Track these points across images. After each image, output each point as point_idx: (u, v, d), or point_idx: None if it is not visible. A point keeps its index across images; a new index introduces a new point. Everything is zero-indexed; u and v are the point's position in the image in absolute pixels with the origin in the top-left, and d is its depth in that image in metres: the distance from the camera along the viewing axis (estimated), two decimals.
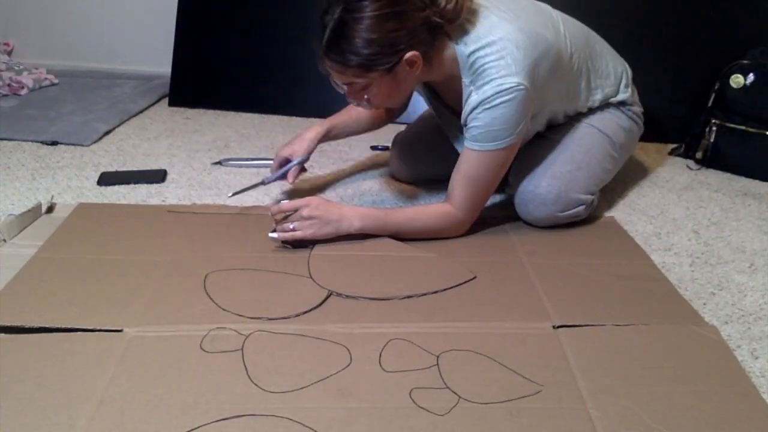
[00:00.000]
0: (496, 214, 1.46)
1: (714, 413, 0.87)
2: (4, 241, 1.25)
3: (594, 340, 1.02)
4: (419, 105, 1.61)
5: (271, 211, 1.29)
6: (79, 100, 2.23)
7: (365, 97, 1.22)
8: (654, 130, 1.93)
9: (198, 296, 1.10)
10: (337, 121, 1.52)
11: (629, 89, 1.50)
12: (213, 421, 0.83)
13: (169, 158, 1.80)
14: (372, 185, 1.65)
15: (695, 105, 1.93)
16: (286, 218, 1.27)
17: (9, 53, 2.66)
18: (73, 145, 1.86)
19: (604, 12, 2.02)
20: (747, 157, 1.78)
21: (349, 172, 1.75)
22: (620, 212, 1.54)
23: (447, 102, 1.42)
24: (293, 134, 2.02)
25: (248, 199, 1.52)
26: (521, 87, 1.18)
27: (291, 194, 1.59)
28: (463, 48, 1.21)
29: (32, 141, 1.86)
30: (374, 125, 1.58)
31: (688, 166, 1.86)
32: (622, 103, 1.49)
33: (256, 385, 0.90)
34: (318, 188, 1.63)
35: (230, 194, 1.51)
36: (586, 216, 1.43)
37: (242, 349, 0.97)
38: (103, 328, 1.00)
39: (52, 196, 1.48)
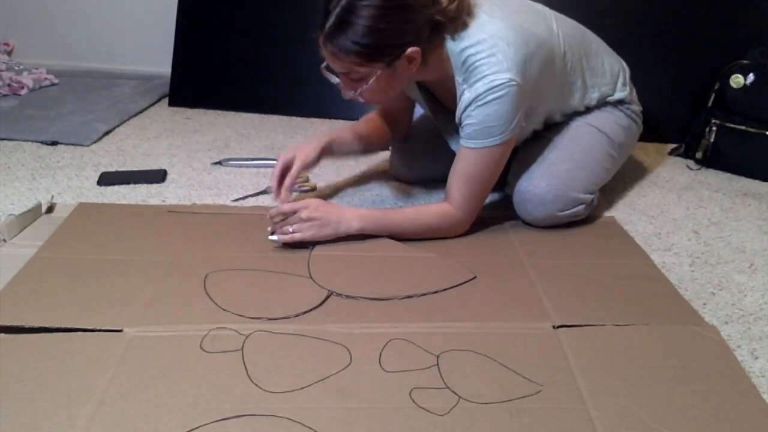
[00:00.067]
0: (495, 213, 1.46)
1: (714, 413, 0.87)
2: (4, 241, 1.25)
3: (594, 340, 1.02)
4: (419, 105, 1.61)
5: (270, 213, 1.28)
6: (79, 100, 2.23)
7: (359, 90, 1.22)
8: (654, 130, 1.93)
9: (198, 296, 1.10)
10: (339, 135, 1.48)
11: (627, 88, 1.50)
12: (213, 421, 0.83)
13: (169, 158, 1.80)
14: (372, 185, 1.65)
15: (695, 105, 1.93)
16: (284, 220, 1.27)
17: (9, 53, 2.66)
18: (73, 145, 1.86)
19: (604, 12, 2.03)
20: (747, 157, 1.78)
21: (349, 172, 1.75)
22: (620, 212, 1.54)
23: (443, 103, 1.42)
24: (293, 134, 2.04)
25: (249, 200, 1.53)
26: (513, 83, 1.18)
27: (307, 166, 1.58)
28: (455, 46, 1.21)
29: (32, 141, 1.86)
30: (378, 143, 1.57)
31: (688, 166, 1.86)
32: (620, 102, 1.49)
33: (256, 385, 0.89)
34: (318, 189, 1.63)
35: (232, 199, 1.52)
36: (586, 215, 1.43)
37: (242, 349, 0.97)
38: (103, 328, 1.00)
39: (52, 196, 1.48)
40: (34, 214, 1.35)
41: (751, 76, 1.75)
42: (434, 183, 1.60)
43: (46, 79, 2.41)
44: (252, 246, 1.28)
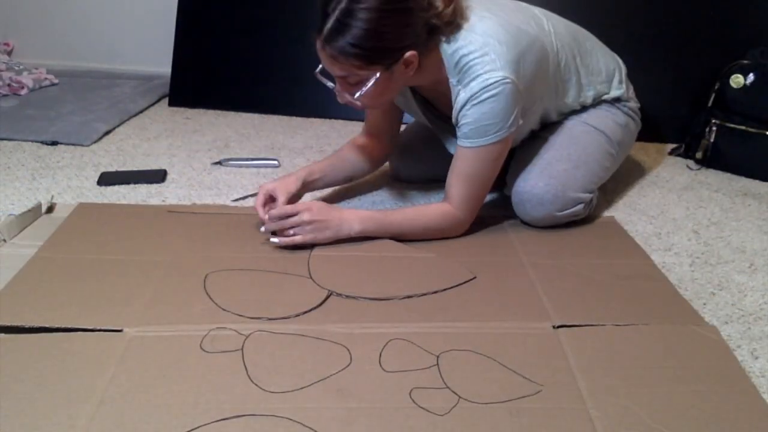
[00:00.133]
0: (495, 213, 1.46)
1: (714, 413, 0.87)
2: (4, 241, 1.25)
3: (594, 340, 1.02)
4: None
5: (269, 215, 1.27)
6: (79, 100, 2.23)
7: (356, 94, 1.21)
8: (654, 130, 1.94)
9: (198, 296, 1.10)
10: (317, 167, 1.44)
11: (623, 86, 1.50)
12: (213, 421, 0.83)
13: (169, 158, 1.80)
14: (372, 186, 1.65)
15: (695, 105, 1.93)
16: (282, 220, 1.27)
17: (9, 53, 2.66)
18: (73, 145, 1.86)
19: (604, 12, 2.02)
20: (747, 157, 1.78)
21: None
22: (620, 212, 1.54)
23: (438, 109, 1.42)
24: (293, 134, 2.05)
25: (249, 200, 1.53)
26: (507, 80, 1.18)
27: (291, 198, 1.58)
28: (448, 48, 1.21)
29: (32, 141, 1.86)
30: (362, 168, 1.53)
31: (688, 166, 1.86)
32: (617, 100, 1.49)
33: (256, 385, 0.89)
34: (318, 189, 1.63)
35: (232, 199, 1.52)
36: (586, 215, 1.43)
37: (242, 349, 0.97)
38: (103, 328, 1.00)
39: (52, 196, 1.48)
40: (34, 214, 1.35)
41: (751, 76, 1.75)
42: (434, 183, 1.60)
43: (46, 79, 2.41)
44: (252, 246, 1.28)
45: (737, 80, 1.77)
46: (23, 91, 2.29)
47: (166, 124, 2.11)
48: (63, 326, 0.99)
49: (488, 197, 1.38)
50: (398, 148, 1.63)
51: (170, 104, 2.30)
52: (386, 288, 1.14)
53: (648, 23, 2.06)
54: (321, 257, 1.23)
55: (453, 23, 1.20)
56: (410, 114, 1.51)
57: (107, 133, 1.98)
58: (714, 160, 1.83)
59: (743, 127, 1.77)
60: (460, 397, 0.88)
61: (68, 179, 1.61)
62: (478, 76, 1.18)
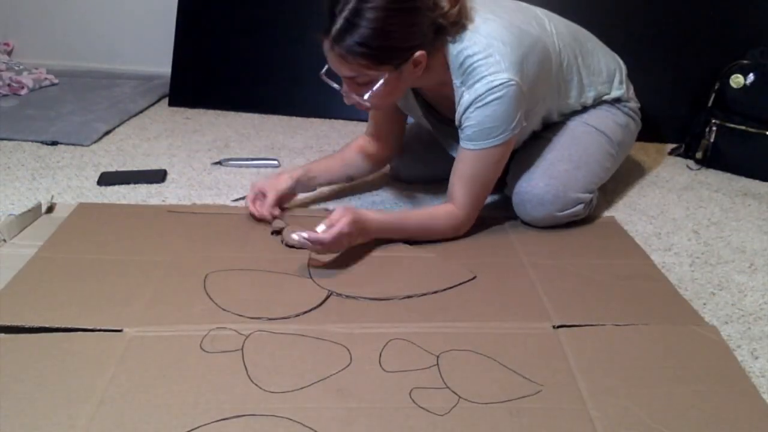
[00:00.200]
0: (495, 214, 1.46)
1: (714, 413, 0.87)
2: (4, 241, 1.25)
3: (594, 340, 1.02)
4: None
5: (309, 239, 1.16)
6: (79, 100, 2.23)
7: (365, 95, 1.21)
8: (654, 130, 1.93)
9: (198, 296, 1.10)
10: (315, 165, 1.47)
11: (624, 86, 1.50)
12: (213, 421, 0.82)
13: (169, 158, 1.80)
14: (372, 186, 1.65)
15: (695, 105, 1.93)
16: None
17: (9, 53, 2.66)
18: (73, 145, 1.86)
19: (604, 12, 2.02)
20: (747, 157, 1.78)
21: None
22: (620, 212, 1.54)
23: (441, 113, 1.43)
24: (293, 134, 2.05)
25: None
26: (512, 82, 1.18)
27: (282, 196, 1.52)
28: (453, 49, 1.21)
29: (32, 141, 1.86)
30: (365, 167, 1.53)
31: (688, 166, 1.86)
32: (617, 100, 1.49)
33: (256, 385, 0.89)
34: (318, 189, 1.62)
35: (232, 199, 1.52)
36: (586, 215, 1.43)
37: (242, 349, 0.97)
38: (103, 328, 1.00)
39: (52, 196, 1.48)
40: (34, 214, 1.35)
41: (751, 76, 1.75)
42: (434, 183, 1.60)
43: (46, 79, 2.41)
44: (252, 246, 1.28)
45: (737, 80, 1.77)
46: (23, 91, 2.29)
47: (166, 124, 2.11)
48: (63, 326, 0.99)
49: (489, 198, 1.37)
50: (398, 157, 1.63)
51: (170, 104, 2.30)
52: (386, 288, 1.14)
53: (648, 23, 2.06)
54: (321, 258, 1.23)
55: (458, 23, 1.20)
56: (412, 116, 1.51)
57: (107, 133, 1.98)
58: (714, 160, 1.83)
59: (743, 127, 1.77)
60: (460, 397, 0.88)
61: (68, 179, 1.61)
62: (482, 77, 1.18)
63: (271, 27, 2.25)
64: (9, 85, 2.30)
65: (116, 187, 1.57)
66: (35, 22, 2.66)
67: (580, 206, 1.38)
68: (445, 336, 1.01)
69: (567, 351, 0.99)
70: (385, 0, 1.10)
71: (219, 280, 1.15)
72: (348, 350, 0.97)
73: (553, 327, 1.05)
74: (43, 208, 1.39)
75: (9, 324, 0.99)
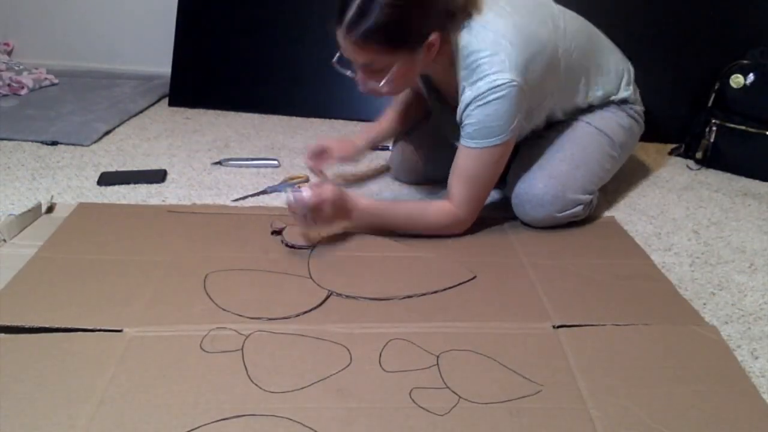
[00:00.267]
0: (495, 214, 1.46)
1: (714, 413, 0.87)
2: (4, 241, 1.25)
3: (594, 340, 1.02)
4: None
5: (289, 207, 1.22)
6: (79, 100, 2.23)
7: (381, 82, 1.20)
8: (654, 130, 1.93)
9: (198, 296, 1.10)
10: (375, 131, 1.59)
11: (631, 87, 1.50)
12: (213, 421, 0.83)
13: (169, 158, 1.80)
14: (373, 186, 1.65)
15: (695, 105, 1.93)
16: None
17: (9, 53, 2.66)
18: (73, 145, 1.86)
19: (605, 12, 2.02)
20: (747, 157, 1.78)
21: (350, 172, 1.75)
22: (620, 212, 1.54)
23: (445, 99, 1.42)
24: (293, 134, 2.04)
25: (249, 200, 1.53)
26: (514, 83, 1.18)
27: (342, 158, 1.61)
28: (461, 41, 1.21)
29: (32, 141, 1.86)
30: (415, 115, 1.61)
31: (688, 166, 1.86)
32: (623, 102, 1.49)
33: (256, 385, 0.89)
34: None
35: (232, 199, 1.52)
36: (585, 216, 1.43)
37: (242, 349, 0.97)
38: (103, 328, 1.00)
39: (52, 196, 1.48)
40: (34, 214, 1.35)
41: (751, 76, 1.75)
42: (435, 184, 1.60)
43: (46, 79, 2.41)
44: (252, 246, 1.28)
45: (737, 80, 1.77)
46: (23, 91, 2.29)
47: (166, 124, 2.11)
48: (63, 326, 0.99)
49: (489, 198, 1.37)
50: (399, 149, 1.63)
51: (170, 104, 2.29)
52: (386, 288, 1.14)
53: (648, 23, 2.06)
54: (321, 257, 1.23)
55: (466, 11, 1.21)
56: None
57: (107, 133, 1.98)
58: (714, 160, 1.83)
59: (743, 127, 1.77)
60: (460, 397, 0.88)
61: (68, 179, 1.61)
62: (486, 75, 1.18)
63: (271, 27, 2.25)
64: (9, 85, 2.30)
65: (116, 187, 1.57)
66: (35, 22, 2.66)
67: (580, 207, 1.38)
68: (445, 336, 1.01)
69: (567, 351, 0.99)
70: None
71: (219, 280, 1.15)
72: (348, 350, 0.97)
73: (553, 327, 1.05)
74: (43, 208, 1.39)
75: (9, 324, 0.99)
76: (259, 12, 2.26)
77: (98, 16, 2.64)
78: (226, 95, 2.28)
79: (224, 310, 1.06)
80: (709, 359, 0.98)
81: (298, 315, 1.06)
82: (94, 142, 1.89)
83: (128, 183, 1.60)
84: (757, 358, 1.01)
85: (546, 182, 1.35)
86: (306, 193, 1.19)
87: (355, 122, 2.17)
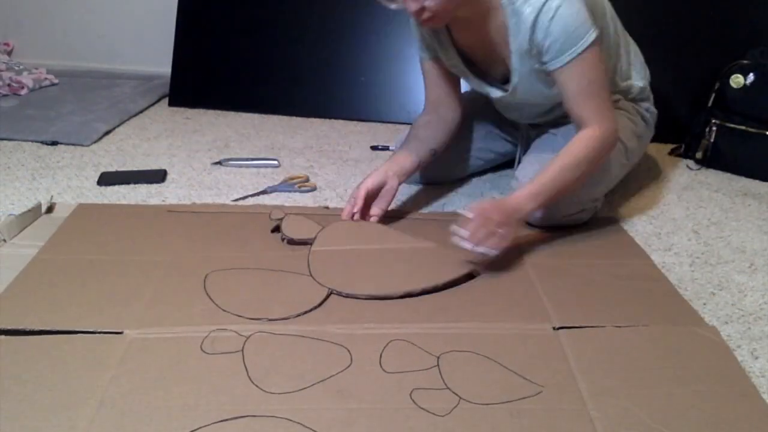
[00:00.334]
0: None
1: (714, 413, 0.87)
2: (4, 241, 1.25)
3: (594, 342, 1.02)
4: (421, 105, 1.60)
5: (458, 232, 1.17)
6: (79, 100, 2.23)
7: (425, 3, 1.15)
8: (654, 129, 1.93)
9: (198, 296, 1.10)
10: (404, 163, 1.42)
11: (648, 85, 1.53)
12: (213, 422, 0.83)
13: (169, 158, 1.80)
14: None
15: (695, 105, 1.93)
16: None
17: (9, 53, 2.66)
18: (73, 145, 1.86)
19: None
20: (747, 157, 1.78)
21: (350, 172, 1.75)
22: (620, 212, 1.54)
23: (477, 64, 1.40)
24: (293, 134, 2.04)
25: (248, 200, 1.53)
26: None
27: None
28: None
29: (32, 141, 1.86)
30: (444, 133, 1.49)
31: (688, 166, 1.86)
32: (642, 99, 1.51)
33: (256, 386, 0.90)
34: (318, 189, 1.62)
35: (232, 199, 1.52)
36: (587, 220, 1.42)
37: (242, 350, 0.97)
38: (103, 330, 1.00)
39: (52, 196, 1.48)
40: (34, 214, 1.35)
41: (751, 76, 1.75)
42: (443, 186, 1.61)
43: (46, 79, 2.41)
44: (252, 245, 1.28)
45: (737, 80, 1.77)
46: (23, 91, 2.29)
47: (166, 124, 2.11)
48: (63, 329, 0.99)
49: (489, 196, 1.37)
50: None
51: (170, 104, 2.29)
52: (386, 283, 1.14)
53: (648, 23, 2.06)
54: (321, 253, 1.23)
55: None
56: (455, 71, 1.46)
57: (107, 133, 1.98)
58: (714, 160, 1.83)
59: (743, 127, 1.77)
60: (460, 398, 0.89)
61: (68, 179, 1.61)
62: None
63: (271, 27, 2.25)
64: (9, 85, 2.30)
65: (116, 187, 1.57)
66: (35, 22, 2.66)
67: (585, 212, 1.38)
68: (446, 337, 1.01)
69: (567, 352, 0.99)
70: None
71: (219, 280, 1.15)
72: (348, 351, 0.97)
73: (554, 328, 1.05)
74: (43, 208, 1.39)
75: (10, 327, 0.99)
76: (259, 12, 2.26)
77: (98, 16, 2.64)
78: (226, 95, 2.28)
79: (224, 310, 1.06)
80: (709, 360, 0.98)
81: (298, 315, 1.06)
82: (94, 142, 1.89)
83: (128, 183, 1.60)
84: (757, 358, 1.01)
85: None
86: (467, 213, 1.16)
87: (354, 122, 2.17)
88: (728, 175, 1.81)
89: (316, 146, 1.95)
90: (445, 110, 1.48)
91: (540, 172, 1.25)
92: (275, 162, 1.77)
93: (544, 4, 1.16)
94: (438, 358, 0.96)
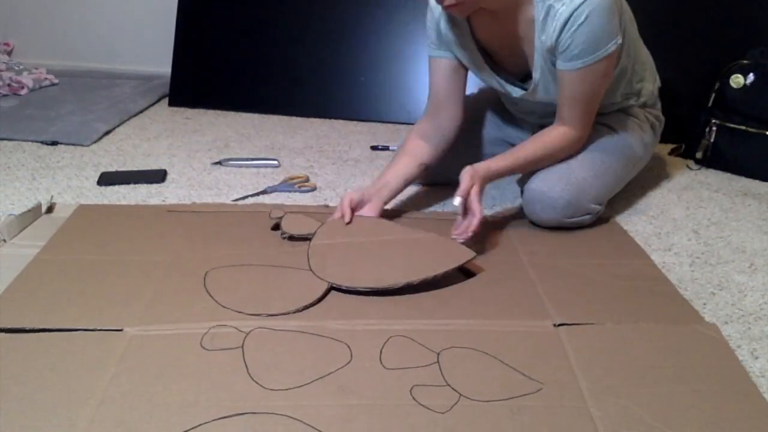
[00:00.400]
0: (495, 213, 1.46)
1: (714, 413, 0.87)
2: (4, 241, 1.25)
3: (595, 339, 1.02)
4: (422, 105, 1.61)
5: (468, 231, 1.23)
6: (79, 100, 2.23)
7: None
8: (660, 137, 1.94)
9: (198, 295, 1.10)
10: (391, 184, 1.39)
11: (657, 91, 1.54)
12: (213, 419, 0.82)
13: (169, 158, 1.80)
14: None
15: (695, 105, 1.93)
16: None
17: (9, 53, 2.66)
18: (73, 145, 1.86)
19: None
20: (747, 157, 1.78)
21: (349, 172, 1.75)
22: (620, 212, 1.54)
23: (499, 62, 1.39)
24: (293, 134, 2.05)
25: (249, 199, 1.53)
26: None
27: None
28: None
29: (32, 141, 1.86)
30: (438, 148, 1.46)
31: (688, 166, 1.87)
32: (650, 104, 1.51)
33: (256, 382, 0.89)
34: (318, 189, 1.63)
35: (232, 200, 1.52)
36: (590, 223, 1.42)
37: (242, 346, 0.97)
38: (103, 327, 1.00)
39: (52, 196, 1.48)
40: (34, 214, 1.35)
41: (751, 76, 1.76)
42: (446, 186, 1.60)
43: (46, 79, 2.42)
44: (252, 244, 1.28)
45: (737, 80, 1.77)
46: (23, 91, 2.29)
47: (166, 124, 2.11)
48: (64, 327, 0.99)
49: (489, 196, 1.37)
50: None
51: (170, 104, 2.30)
52: (386, 275, 1.13)
53: (648, 23, 2.05)
54: (320, 247, 1.22)
55: None
56: (473, 68, 1.43)
57: (107, 133, 1.98)
58: (714, 160, 1.83)
59: (743, 127, 1.77)
60: (460, 394, 0.88)
61: (68, 179, 1.61)
62: None
63: (271, 27, 2.25)
64: (9, 85, 2.30)
65: (116, 187, 1.57)
66: (35, 22, 2.67)
67: (588, 216, 1.38)
68: (446, 333, 1.01)
69: (568, 349, 0.99)
70: None
71: (219, 277, 1.15)
72: (348, 347, 0.97)
73: (554, 325, 1.05)
74: (43, 208, 1.39)
75: (10, 327, 0.99)
76: (259, 12, 2.26)
77: (98, 16, 2.64)
78: (226, 95, 2.28)
79: (224, 307, 1.06)
80: (710, 359, 0.98)
81: (298, 310, 1.06)
82: (94, 142, 1.90)
83: (128, 183, 1.60)
84: (757, 358, 1.01)
85: (563, 187, 1.33)
86: (457, 200, 1.23)
87: (354, 122, 2.17)
88: (728, 175, 1.81)
89: (316, 146, 1.95)
90: (445, 115, 1.44)
91: (517, 150, 1.34)
92: (275, 162, 1.77)
93: (579, 6, 1.16)
94: (438, 354, 0.96)
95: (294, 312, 1.05)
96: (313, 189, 1.61)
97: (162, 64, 2.44)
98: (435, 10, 1.34)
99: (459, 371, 0.93)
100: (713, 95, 1.84)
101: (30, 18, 2.66)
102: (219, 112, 2.25)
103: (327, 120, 2.20)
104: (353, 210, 1.31)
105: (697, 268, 1.29)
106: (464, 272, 1.20)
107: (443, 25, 1.35)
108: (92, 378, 0.89)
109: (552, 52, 1.24)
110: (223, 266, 1.18)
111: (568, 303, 1.11)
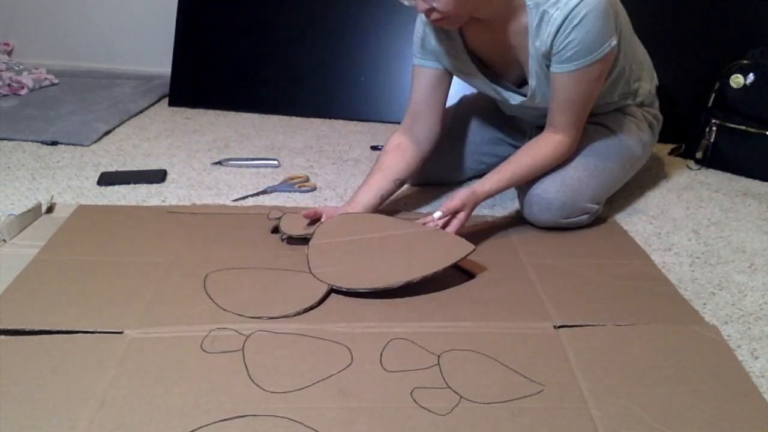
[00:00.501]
0: (495, 213, 1.46)
1: (714, 413, 0.87)
2: (4, 241, 1.25)
3: (595, 341, 1.02)
4: None
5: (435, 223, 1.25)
6: (79, 100, 2.23)
7: (433, 4, 1.14)
8: (658, 136, 1.94)
9: (198, 296, 1.10)
10: (359, 191, 1.39)
11: (654, 89, 1.53)
12: (214, 422, 0.82)
13: (169, 158, 1.80)
14: None
15: (695, 105, 1.93)
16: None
17: (9, 53, 2.66)
18: (73, 145, 1.86)
19: None
20: (747, 157, 1.78)
21: (349, 172, 1.75)
22: (620, 212, 1.54)
23: (492, 67, 1.38)
24: (293, 134, 2.05)
25: (249, 200, 1.53)
26: None
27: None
28: None
29: (32, 141, 1.86)
30: (414, 160, 1.44)
31: (688, 166, 1.87)
32: (648, 104, 1.51)
33: (256, 385, 0.89)
34: (318, 189, 1.63)
35: (232, 199, 1.52)
36: (588, 223, 1.42)
37: (243, 349, 0.97)
38: (103, 330, 1.00)
39: (52, 196, 1.48)
40: (34, 214, 1.35)
41: (751, 76, 1.75)
42: (438, 186, 1.61)
43: (46, 79, 2.41)
44: (252, 246, 1.28)
45: (737, 80, 1.77)
46: (23, 91, 2.29)
47: (166, 124, 2.11)
48: (64, 329, 0.99)
49: (490, 197, 1.36)
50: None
51: (170, 104, 2.30)
52: (386, 274, 1.13)
53: (648, 23, 2.05)
54: (320, 247, 1.21)
55: None
56: (465, 77, 1.43)
57: (107, 133, 1.98)
58: (714, 160, 1.83)
59: (743, 127, 1.77)
60: (461, 396, 0.88)
61: (68, 179, 1.61)
62: None
63: (271, 27, 2.25)
64: (9, 85, 2.30)
65: (116, 187, 1.57)
66: (35, 22, 2.67)
67: (586, 216, 1.38)
68: (446, 336, 1.01)
69: (568, 351, 0.99)
70: None
71: (219, 280, 1.15)
72: (349, 350, 0.97)
73: (554, 327, 1.05)
74: (43, 208, 1.39)
75: (9, 328, 0.99)
76: (259, 12, 2.26)
77: (98, 16, 2.64)
78: (226, 95, 2.28)
79: (224, 310, 1.06)
80: (710, 359, 0.98)
81: (299, 313, 1.06)
82: (94, 142, 1.90)
83: (128, 183, 1.60)
84: (757, 358, 1.01)
85: (559, 188, 1.34)
86: (437, 214, 1.26)
87: (354, 122, 2.17)
88: (728, 175, 1.81)
89: (316, 146, 1.95)
90: (421, 127, 1.42)
91: (512, 167, 1.33)
92: (275, 162, 1.77)
93: (573, 9, 1.15)
94: (438, 357, 0.96)
95: (294, 315, 1.05)
96: (313, 189, 1.61)
97: (162, 64, 2.44)
98: (424, 17, 1.33)
99: (459, 373, 0.93)
100: (713, 95, 1.84)
101: (30, 18, 2.66)
102: (219, 112, 2.25)
103: (327, 120, 2.20)
104: None
105: (697, 268, 1.29)
106: (464, 272, 1.20)
107: (432, 34, 1.34)
108: (92, 380, 0.89)
109: (547, 57, 1.24)
110: (223, 269, 1.18)
111: (568, 303, 1.11)
